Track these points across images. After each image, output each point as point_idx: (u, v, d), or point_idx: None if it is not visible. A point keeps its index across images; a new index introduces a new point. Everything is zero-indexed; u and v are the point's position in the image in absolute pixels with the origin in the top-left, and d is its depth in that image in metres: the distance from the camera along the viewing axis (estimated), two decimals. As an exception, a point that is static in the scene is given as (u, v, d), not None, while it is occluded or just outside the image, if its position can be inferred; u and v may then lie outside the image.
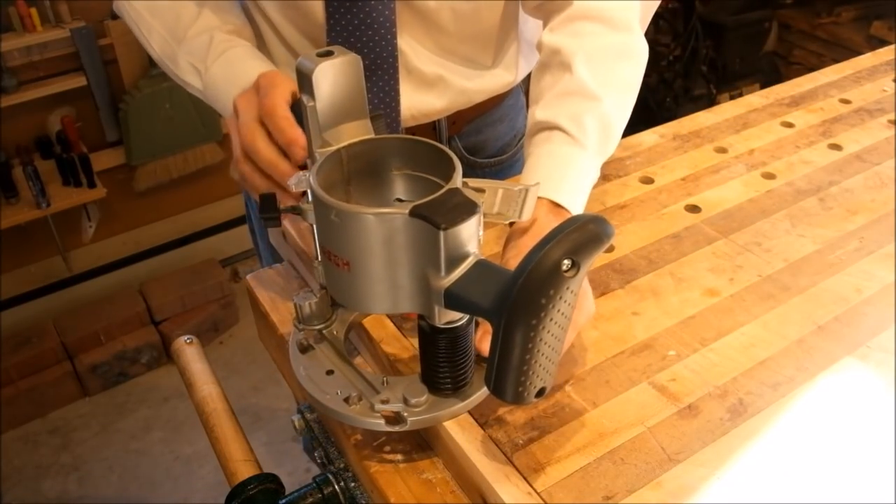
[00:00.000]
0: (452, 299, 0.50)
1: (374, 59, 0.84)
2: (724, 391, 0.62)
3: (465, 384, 0.57)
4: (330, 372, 0.59)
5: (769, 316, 0.69)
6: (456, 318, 0.53)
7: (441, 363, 0.55)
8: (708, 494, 0.54)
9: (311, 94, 0.55)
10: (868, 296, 0.72)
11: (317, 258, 0.59)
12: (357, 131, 0.58)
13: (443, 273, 0.50)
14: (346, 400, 0.56)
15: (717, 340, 0.67)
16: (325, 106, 0.56)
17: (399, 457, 0.59)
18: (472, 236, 0.50)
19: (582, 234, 0.46)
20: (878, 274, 0.74)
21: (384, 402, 0.55)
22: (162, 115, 2.12)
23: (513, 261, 0.62)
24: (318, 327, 0.62)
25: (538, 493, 0.53)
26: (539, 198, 0.65)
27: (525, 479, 0.54)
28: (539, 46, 0.79)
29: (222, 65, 0.79)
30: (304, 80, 0.55)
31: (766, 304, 0.71)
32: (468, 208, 0.49)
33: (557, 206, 0.66)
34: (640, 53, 0.78)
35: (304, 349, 0.61)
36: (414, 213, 0.49)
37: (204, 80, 0.81)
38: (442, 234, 0.48)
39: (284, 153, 0.65)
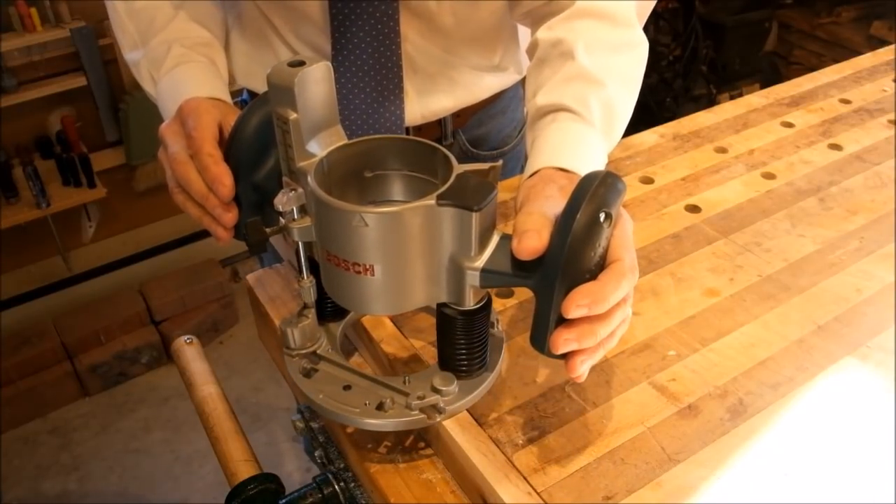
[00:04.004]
0: (488, 277, 0.52)
1: (379, 60, 0.84)
2: (724, 391, 0.62)
3: (487, 358, 0.58)
4: (347, 387, 0.58)
5: (769, 316, 0.69)
6: (481, 297, 0.55)
7: (467, 345, 0.56)
8: (708, 494, 0.54)
9: (292, 106, 0.53)
10: (868, 296, 0.72)
11: (302, 277, 0.58)
12: (332, 139, 0.57)
13: (475, 253, 0.51)
14: (380, 407, 0.56)
15: (717, 340, 0.67)
16: (305, 117, 0.54)
17: (399, 457, 0.59)
18: (494, 213, 0.52)
19: (607, 188, 0.49)
20: (878, 274, 0.74)
21: (420, 398, 0.55)
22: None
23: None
24: (311, 349, 0.61)
25: (538, 493, 0.53)
26: (550, 168, 0.63)
27: (525, 479, 0.54)
28: (534, 45, 0.77)
29: (170, 81, 0.79)
30: (283, 93, 0.53)
31: (766, 304, 0.71)
32: (487, 187, 0.50)
33: (569, 173, 0.63)
34: (640, 47, 0.77)
35: (308, 373, 0.60)
36: (442, 200, 0.49)
37: (156, 91, 0.81)
38: (475, 215, 0.49)
39: None
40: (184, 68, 0.79)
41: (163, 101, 0.79)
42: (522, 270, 0.51)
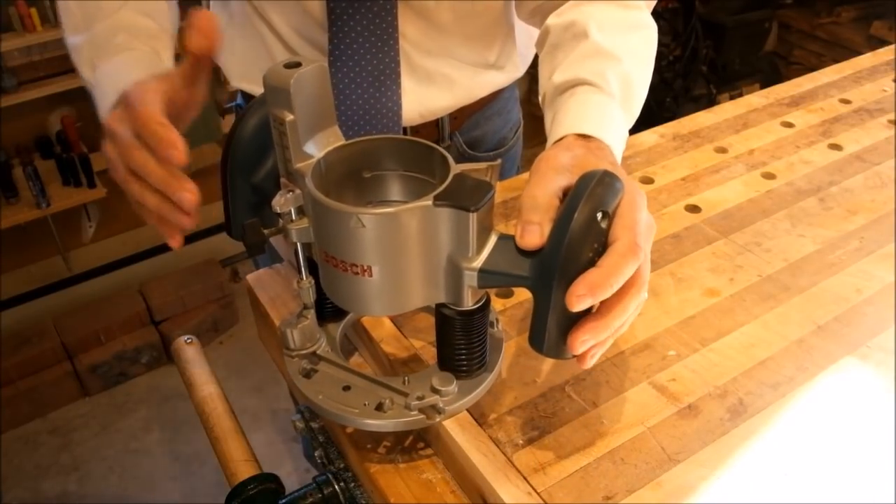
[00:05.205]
0: (486, 277, 0.52)
1: (376, 55, 0.84)
2: (724, 391, 0.62)
3: (486, 358, 0.58)
4: (347, 388, 0.58)
5: (769, 316, 0.69)
6: (480, 297, 0.54)
7: (466, 345, 0.56)
8: (708, 494, 0.54)
9: (288, 107, 0.53)
10: (868, 296, 0.72)
11: (301, 277, 0.58)
12: (329, 140, 0.57)
13: (472, 254, 0.51)
14: (379, 408, 0.56)
15: (717, 340, 0.67)
16: (302, 118, 0.54)
17: (399, 457, 0.59)
18: (491, 213, 0.52)
19: (604, 188, 0.50)
20: (878, 274, 0.74)
21: (420, 398, 0.55)
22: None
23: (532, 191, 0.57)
24: (311, 349, 0.61)
25: (538, 493, 0.53)
26: (571, 135, 0.62)
27: (525, 479, 0.54)
28: (545, 32, 0.77)
29: (110, 67, 0.75)
30: (280, 94, 0.53)
31: (766, 304, 0.71)
32: (484, 187, 0.50)
33: (590, 139, 0.62)
34: (651, 28, 0.76)
35: (308, 374, 0.60)
36: (439, 200, 0.49)
37: (95, 77, 0.76)
38: (472, 215, 0.49)
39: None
40: (127, 55, 0.75)
41: (100, 88, 0.74)
42: (520, 271, 0.51)
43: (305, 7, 0.83)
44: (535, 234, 0.50)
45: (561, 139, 0.62)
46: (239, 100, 1.02)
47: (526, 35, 0.95)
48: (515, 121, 1.09)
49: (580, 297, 0.47)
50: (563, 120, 0.65)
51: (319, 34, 0.85)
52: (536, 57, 0.81)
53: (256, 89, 0.93)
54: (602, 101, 0.66)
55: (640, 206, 0.53)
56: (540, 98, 0.73)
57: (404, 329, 0.67)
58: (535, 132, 0.77)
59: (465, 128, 1.00)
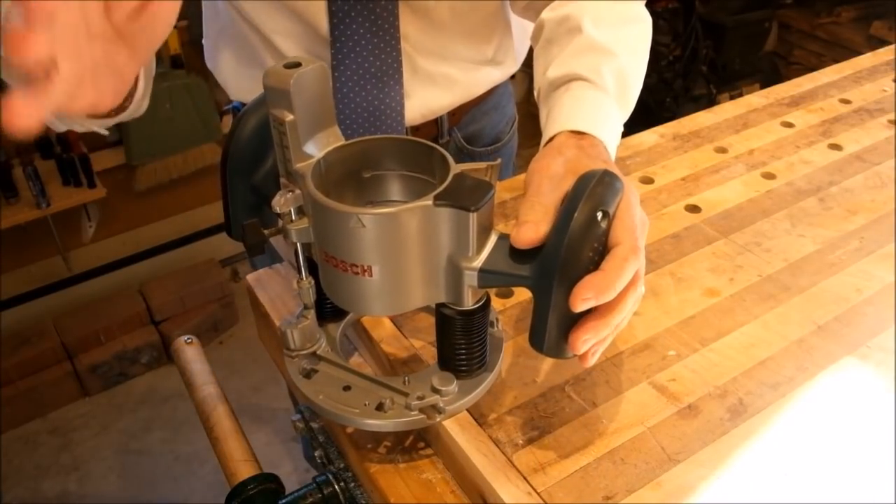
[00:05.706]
0: (486, 277, 0.52)
1: (379, 56, 0.84)
2: (724, 391, 0.62)
3: (486, 358, 0.58)
4: (347, 388, 0.58)
5: (769, 316, 0.69)
6: (480, 297, 0.55)
7: (466, 345, 0.56)
8: (708, 494, 0.54)
9: (288, 108, 0.53)
10: (868, 296, 0.72)
11: (301, 278, 0.58)
12: (329, 140, 0.57)
13: (473, 254, 0.51)
14: (379, 407, 0.56)
15: (717, 340, 0.67)
16: (302, 118, 0.54)
17: (399, 457, 0.59)
18: (492, 213, 0.52)
19: (604, 187, 0.50)
20: (878, 274, 0.74)
21: (420, 398, 0.55)
22: (162, 115, 2.12)
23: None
24: (311, 350, 0.61)
25: (538, 493, 0.53)
26: (564, 133, 0.62)
27: (525, 479, 0.54)
28: (539, 27, 0.77)
29: None
30: (279, 95, 0.53)
31: (766, 304, 0.71)
32: (484, 187, 0.50)
33: (583, 135, 0.62)
34: (645, 22, 0.76)
35: (308, 374, 0.60)
36: (439, 200, 0.49)
37: None
38: (472, 215, 0.49)
39: None
40: None
41: None
42: (520, 270, 0.51)
43: (302, 13, 0.82)
44: (529, 230, 0.50)
45: (554, 137, 0.63)
46: (236, 103, 1.02)
47: (521, 30, 0.96)
48: (511, 115, 1.10)
49: (585, 300, 0.48)
50: (558, 116, 0.65)
51: (315, 42, 0.84)
52: (532, 53, 0.82)
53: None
54: (596, 97, 0.66)
55: (634, 205, 0.53)
56: (535, 93, 0.73)
57: (404, 329, 0.67)
58: (535, 131, 0.76)
59: (462, 123, 1.00)
